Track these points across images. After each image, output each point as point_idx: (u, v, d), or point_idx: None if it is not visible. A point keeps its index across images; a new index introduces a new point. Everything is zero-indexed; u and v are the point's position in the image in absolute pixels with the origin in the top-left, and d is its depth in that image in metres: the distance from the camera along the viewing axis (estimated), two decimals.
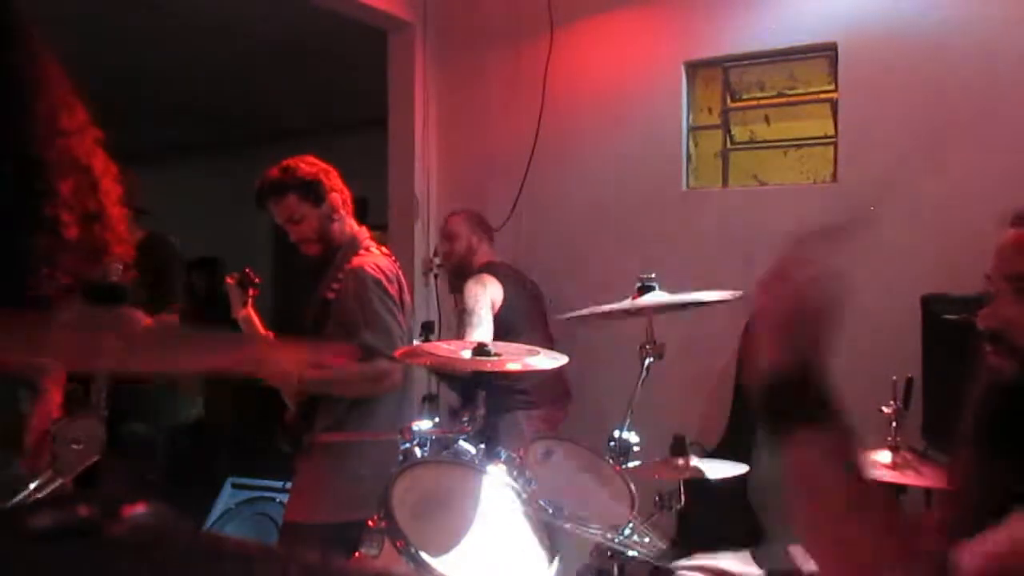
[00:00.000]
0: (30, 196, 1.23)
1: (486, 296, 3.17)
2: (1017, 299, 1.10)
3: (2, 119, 1.26)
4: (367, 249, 2.53)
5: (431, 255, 4.18)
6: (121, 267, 1.04)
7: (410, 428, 2.01)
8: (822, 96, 3.47)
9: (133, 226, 2.80)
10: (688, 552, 2.03)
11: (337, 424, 2.44)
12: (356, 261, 2.46)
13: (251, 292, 2.54)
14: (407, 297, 2.57)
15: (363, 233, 2.59)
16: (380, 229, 6.37)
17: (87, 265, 1.27)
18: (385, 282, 2.44)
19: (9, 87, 1.28)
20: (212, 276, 6.09)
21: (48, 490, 0.88)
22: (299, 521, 2.43)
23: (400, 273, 2.56)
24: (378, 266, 2.46)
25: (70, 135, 1.30)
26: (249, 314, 2.52)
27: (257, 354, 2.28)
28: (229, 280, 2.57)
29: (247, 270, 2.58)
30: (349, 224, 2.56)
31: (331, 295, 2.45)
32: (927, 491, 1.98)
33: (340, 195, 2.53)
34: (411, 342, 2.59)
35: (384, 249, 2.60)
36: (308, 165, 2.49)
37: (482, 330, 3.04)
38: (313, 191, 2.47)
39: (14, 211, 1.22)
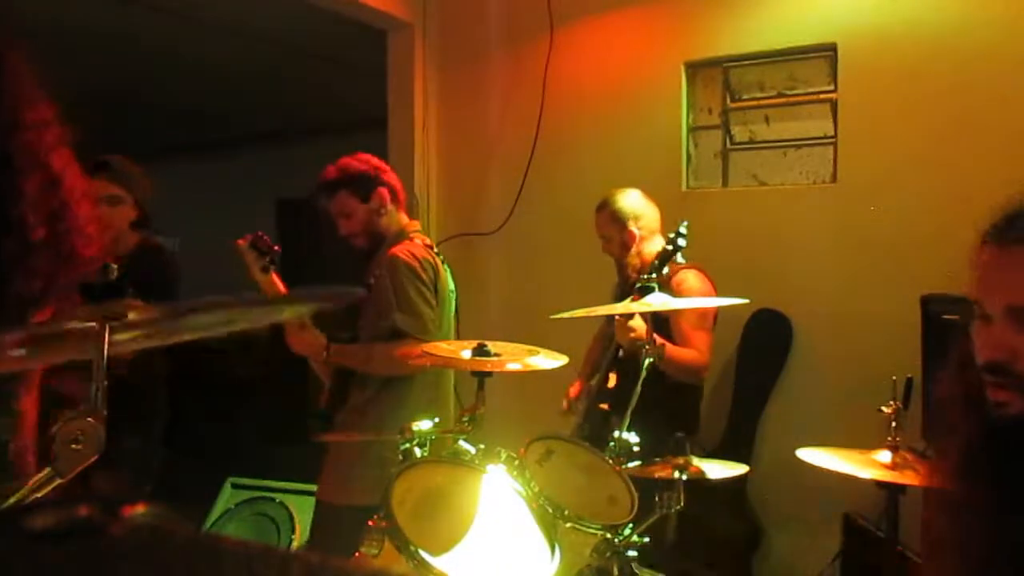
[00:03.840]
0: None
1: None
2: (1021, 329, 0.99)
3: None
4: (410, 239, 2.62)
5: None
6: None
7: (410, 428, 2.00)
8: (822, 96, 3.47)
9: (129, 232, 2.77)
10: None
11: (363, 406, 2.55)
12: (394, 249, 2.55)
13: (269, 258, 2.52)
14: (443, 285, 2.62)
15: (413, 226, 2.70)
16: None
17: (59, 267, 1.22)
18: (418, 268, 2.51)
19: None
20: None
21: (47, 490, 0.87)
22: (331, 502, 2.56)
23: (437, 262, 2.62)
24: (412, 253, 2.54)
25: (31, 129, 1.25)
26: (271, 280, 2.52)
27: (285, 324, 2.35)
28: (240, 243, 2.54)
29: (259, 234, 2.56)
30: (399, 218, 2.67)
31: (371, 282, 2.55)
32: (927, 491, 1.97)
33: (390, 191, 2.62)
34: (450, 330, 2.67)
35: (426, 240, 2.70)
36: (360, 163, 2.61)
37: None
38: (362, 187, 2.58)
39: None
